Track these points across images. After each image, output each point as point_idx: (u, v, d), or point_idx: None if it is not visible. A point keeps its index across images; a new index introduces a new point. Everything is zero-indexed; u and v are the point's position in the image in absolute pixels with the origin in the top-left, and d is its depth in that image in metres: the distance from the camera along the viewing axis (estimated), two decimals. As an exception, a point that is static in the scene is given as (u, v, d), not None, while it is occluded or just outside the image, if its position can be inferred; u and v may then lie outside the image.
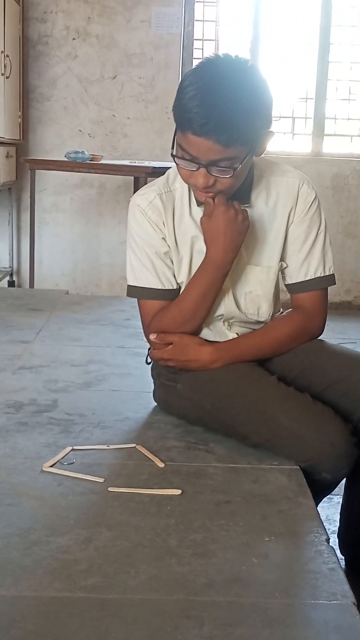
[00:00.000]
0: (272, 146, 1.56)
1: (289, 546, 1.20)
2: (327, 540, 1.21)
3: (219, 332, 1.67)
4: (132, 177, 4.29)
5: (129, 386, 2.01)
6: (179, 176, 1.54)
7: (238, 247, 1.53)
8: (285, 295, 1.70)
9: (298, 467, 1.46)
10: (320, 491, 1.52)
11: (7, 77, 4.18)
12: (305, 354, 1.64)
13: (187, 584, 1.07)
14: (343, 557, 1.68)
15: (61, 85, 4.65)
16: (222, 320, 1.66)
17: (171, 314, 1.61)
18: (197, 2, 4.76)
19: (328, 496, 1.65)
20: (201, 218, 1.53)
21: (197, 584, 1.07)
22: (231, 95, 1.34)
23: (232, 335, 1.66)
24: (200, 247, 1.58)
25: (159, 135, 4.68)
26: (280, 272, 1.66)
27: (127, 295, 1.68)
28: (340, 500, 1.73)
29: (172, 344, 1.61)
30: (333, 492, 1.62)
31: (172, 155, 1.45)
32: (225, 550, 1.16)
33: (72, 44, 4.62)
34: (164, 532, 1.21)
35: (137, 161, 4.15)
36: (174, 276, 1.64)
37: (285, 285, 1.69)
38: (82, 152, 3.86)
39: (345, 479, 1.58)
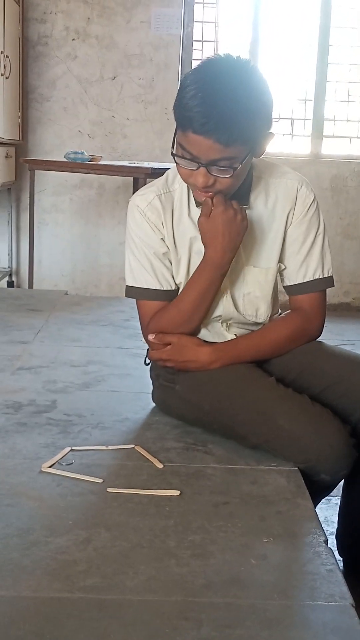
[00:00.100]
0: (271, 147, 1.56)
1: (288, 547, 1.20)
2: (326, 541, 1.21)
3: (217, 333, 1.67)
4: (132, 178, 4.29)
5: (128, 387, 2.01)
6: (178, 177, 1.54)
7: (237, 247, 1.53)
8: (283, 297, 1.71)
9: (296, 468, 1.46)
10: (318, 492, 1.52)
11: (6, 78, 4.18)
12: (304, 356, 1.64)
13: (186, 585, 1.07)
14: (341, 559, 1.68)
15: (61, 86, 4.66)
16: (220, 321, 1.66)
17: (170, 314, 1.61)
18: (196, 3, 4.76)
19: (326, 497, 1.65)
20: (199, 218, 1.53)
21: (196, 585, 1.07)
22: (232, 94, 1.35)
23: (230, 336, 1.66)
24: (199, 247, 1.58)
25: (158, 136, 4.69)
26: (278, 274, 1.66)
27: (126, 295, 1.68)
28: (339, 501, 1.73)
29: (170, 344, 1.61)
30: (331, 494, 1.62)
31: (172, 154, 1.46)
32: (223, 552, 1.17)
33: (71, 45, 4.63)
34: (163, 533, 1.21)
35: (136, 162, 4.15)
36: (173, 277, 1.64)
37: (284, 287, 1.69)
38: (82, 153, 3.87)
39: (343, 481, 1.58)
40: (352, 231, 4.85)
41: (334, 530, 1.75)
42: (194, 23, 4.75)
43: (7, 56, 4.16)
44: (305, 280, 1.64)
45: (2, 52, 4.06)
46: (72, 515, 1.26)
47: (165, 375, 1.70)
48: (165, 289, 1.63)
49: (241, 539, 1.21)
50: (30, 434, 1.62)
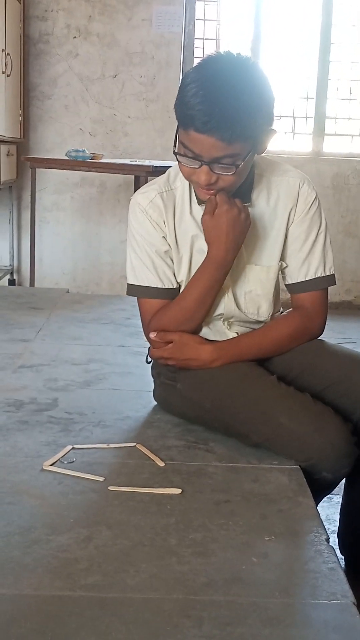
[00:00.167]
0: (273, 145, 1.56)
1: (289, 546, 1.20)
2: (327, 539, 1.21)
3: (218, 331, 1.67)
4: (133, 176, 4.29)
5: (129, 385, 2.01)
6: (180, 175, 1.54)
7: (239, 246, 1.53)
8: (285, 295, 1.71)
9: (298, 466, 1.46)
10: (320, 491, 1.52)
11: (7, 76, 4.17)
12: (305, 354, 1.64)
13: (187, 583, 1.07)
14: (343, 557, 1.68)
15: (62, 84, 4.65)
16: (221, 319, 1.66)
17: (171, 312, 1.61)
18: (198, 0, 4.76)
19: (328, 496, 1.65)
20: (202, 216, 1.52)
21: (197, 583, 1.07)
22: (233, 92, 1.35)
23: (231, 334, 1.66)
24: (201, 246, 1.58)
25: (159, 134, 4.68)
26: (280, 272, 1.66)
27: (127, 294, 1.68)
28: (340, 500, 1.73)
29: (172, 342, 1.61)
30: (333, 492, 1.62)
31: (174, 153, 1.45)
32: (225, 550, 1.17)
33: (73, 43, 4.62)
34: (164, 531, 1.21)
35: (137, 160, 4.15)
36: (174, 275, 1.64)
37: (286, 285, 1.69)
38: (83, 151, 3.87)
39: (345, 479, 1.58)
40: (354, 229, 4.84)
41: (336, 528, 1.75)
42: (196, 21, 4.75)
43: (8, 54, 4.16)
44: (307, 279, 1.64)
45: (3, 50, 4.06)
46: (73, 514, 1.26)
47: (167, 374, 1.70)
48: (166, 287, 1.63)
49: (242, 537, 1.21)
50: (31, 432, 1.62)
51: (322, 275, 1.64)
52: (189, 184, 1.56)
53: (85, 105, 4.67)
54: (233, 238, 1.50)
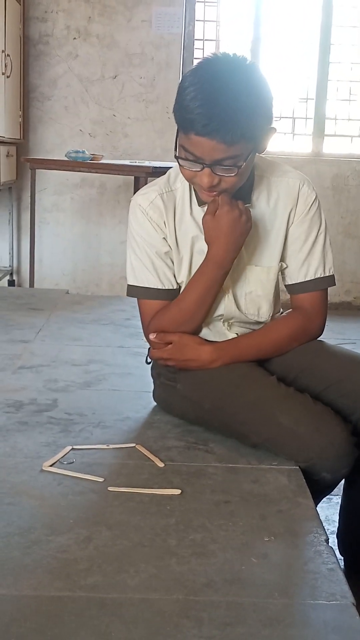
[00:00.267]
0: (273, 146, 1.57)
1: (289, 546, 1.20)
2: (327, 540, 1.21)
3: (218, 332, 1.67)
4: (133, 177, 4.29)
5: (129, 386, 2.01)
6: (180, 176, 1.54)
7: (239, 247, 1.53)
8: (285, 296, 1.71)
9: (297, 467, 1.46)
10: (319, 491, 1.52)
11: (7, 77, 4.18)
12: (305, 355, 1.64)
13: (187, 584, 1.07)
14: (342, 558, 1.68)
15: (62, 85, 4.66)
16: (221, 320, 1.66)
17: (171, 313, 1.61)
18: (197, 2, 4.76)
19: (327, 496, 1.65)
20: (204, 216, 1.53)
21: (197, 583, 1.07)
22: (232, 93, 1.35)
23: (231, 335, 1.66)
24: (201, 247, 1.58)
25: (159, 135, 4.69)
26: (280, 273, 1.66)
27: (127, 295, 1.68)
28: (340, 500, 1.73)
29: (171, 343, 1.61)
30: (332, 493, 1.62)
31: (176, 157, 1.46)
32: (224, 550, 1.17)
33: (72, 44, 4.63)
34: (164, 532, 1.21)
35: (137, 161, 4.15)
36: (174, 276, 1.64)
37: (285, 285, 1.69)
38: (83, 152, 3.87)
39: (344, 479, 1.58)
40: (354, 230, 4.85)
41: (335, 529, 1.75)
42: (195, 22, 4.75)
43: (8, 55, 4.16)
44: (306, 279, 1.64)
45: (3, 51, 4.06)
46: (73, 514, 1.26)
47: (167, 374, 1.70)
48: (166, 288, 1.63)
49: (242, 537, 1.21)
50: (31, 432, 1.63)
51: (322, 276, 1.65)
52: (189, 185, 1.57)
53: (85, 107, 4.68)
54: (233, 239, 1.50)
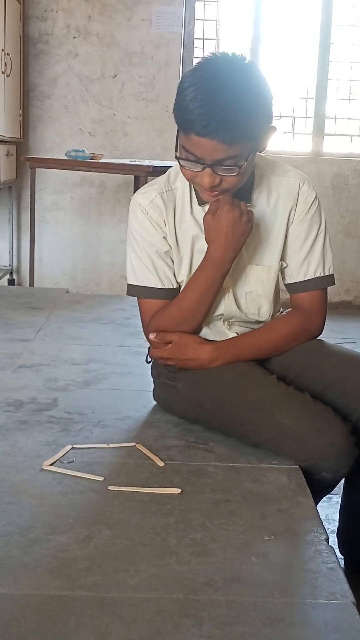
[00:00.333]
0: (272, 146, 1.56)
1: (289, 545, 1.20)
2: (327, 539, 1.21)
3: (218, 331, 1.67)
4: (133, 176, 4.29)
5: (129, 385, 2.01)
6: (180, 175, 1.54)
7: (239, 248, 1.53)
8: (285, 295, 1.71)
9: (298, 466, 1.46)
10: (319, 490, 1.52)
11: (7, 76, 4.17)
12: (305, 354, 1.64)
13: (187, 583, 1.07)
14: (342, 557, 1.68)
15: (62, 84, 4.66)
16: (222, 319, 1.66)
17: (171, 312, 1.61)
18: (197, 0, 4.76)
19: (327, 496, 1.65)
20: (205, 215, 1.53)
21: (197, 582, 1.07)
22: (231, 93, 1.35)
23: (231, 334, 1.66)
24: (201, 246, 1.58)
25: (159, 134, 4.68)
26: (280, 272, 1.66)
27: (127, 294, 1.68)
28: (340, 499, 1.73)
29: (171, 342, 1.61)
30: (332, 492, 1.62)
31: (177, 158, 1.45)
32: (224, 549, 1.17)
33: (72, 43, 4.62)
34: (164, 531, 1.21)
35: (137, 160, 4.15)
36: (174, 275, 1.64)
37: (285, 284, 1.69)
38: (83, 151, 3.87)
39: (344, 479, 1.58)
40: (353, 229, 4.85)
41: (335, 528, 1.75)
42: (195, 21, 4.75)
43: (8, 54, 4.16)
44: (306, 278, 1.64)
45: (3, 50, 4.06)
46: (73, 513, 1.26)
47: (167, 374, 1.70)
48: (166, 287, 1.63)
49: (242, 536, 1.21)
50: (31, 432, 1.63)
51: (322, 275, 1.65)
52: (189, 184, 1.57)
53: (85, 105, 4.68)
54: (232, 239, 1.50)
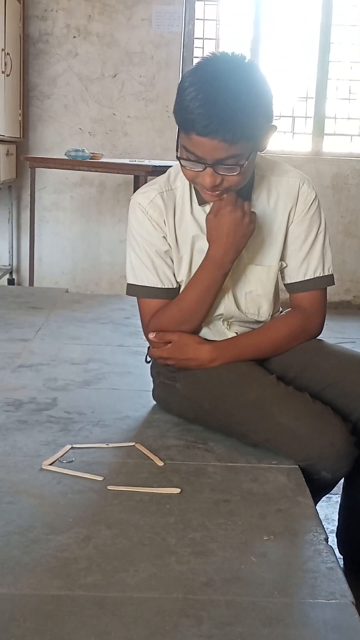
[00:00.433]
0: (272, 145, 1.57)
1: (288, 545, 1.20)
2: (326, 539, 1.21)
3: (218, 331, 1.67)
4: (132, 176, 4.29)
5: (128, 385, 2.01)
6: (181, 175, 1.54)
7: (240, 249, 1.53)
8: (284, 295, 1.71)
9: (297, 466, 1.46)
10: (319, 490, 1.52)
11: (7, 75, 4.17)
12: (304, 354, 1.64)
13: (186, 583, 1.07)
14: (342, 556, 1.68)
15: (61, 84, 4.65)
16: (221, 319, 1.66)
17: (170, 312, 1.61)
18: (197, 0, 4.76)
19: (327, 495, 1.65)
20: (207, 215, 1.53)
21: (196, 582, 1.07)
22: (232, 92, 1.35)
23: (231, 334, 1.66)
24: (201, 246, 1.58)
25: (159, 133, 4.68)
26: (279, 272, 1.66)
27: (127, 293, 1.68)
28: (339, 499, 1.73)
29: (171, 342, 1.61)
30: (332, 492, 1.62)
31: (177, 158, 1.45)
32: (224, 549, 1.17)
33: (72, 42, 4.62)
34: (163, 531, 1.21)
35: (137, 160, 4.15)
36: (174, 275, 1.64)
37: (284, 284, 1.69)
38: (83, 151, 3.87)
39: (344, 478, 1.58)
40: (353, 229, 4.85)
41: (335, 528, 1.75)
42: (195, 20, 4.75)
43: (8, 53, 4.16)
44: (306, 278, 1.64)
45: (3, 50, 4.06)
46: (72, 513, 1.26)
47: (166, 373, 1.70)
48: (166, 287, 1.63)
49: (241, 536, 1.21)
50: (30, 431, 1.63)
51: (321, 275, 1.65)
52: (190, 184, 1.57)
53: (85, 105, 4.68)
54: (233, 240, 1.50)
